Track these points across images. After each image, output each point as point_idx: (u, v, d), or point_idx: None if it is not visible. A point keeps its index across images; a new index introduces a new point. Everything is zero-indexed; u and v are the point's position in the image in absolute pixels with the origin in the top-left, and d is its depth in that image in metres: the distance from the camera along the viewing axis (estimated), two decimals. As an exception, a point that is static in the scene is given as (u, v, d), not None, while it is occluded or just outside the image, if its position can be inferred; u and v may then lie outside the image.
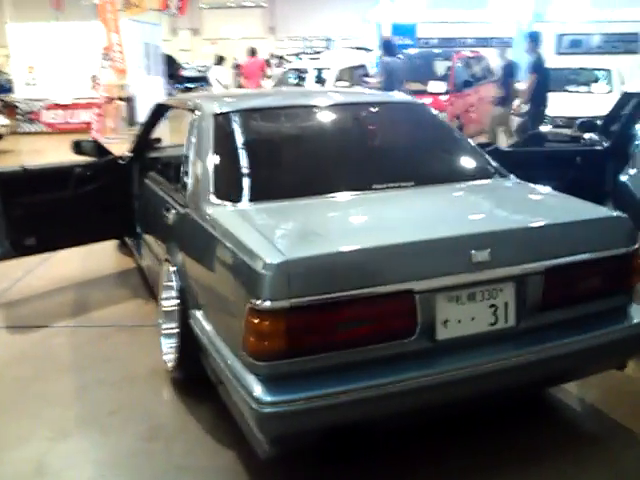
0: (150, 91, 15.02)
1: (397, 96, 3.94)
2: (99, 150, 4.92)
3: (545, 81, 8.84)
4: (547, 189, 3.18)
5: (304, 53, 25.77)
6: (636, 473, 2.67)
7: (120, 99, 13.79)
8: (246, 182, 2.98)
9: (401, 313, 2.41)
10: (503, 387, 2.64)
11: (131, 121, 13.95)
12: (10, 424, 3.09)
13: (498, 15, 17.74)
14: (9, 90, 16.92)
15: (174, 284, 3.19)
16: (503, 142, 9.08)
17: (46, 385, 3.42)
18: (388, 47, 10.13)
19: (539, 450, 2.77)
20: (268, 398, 2.23)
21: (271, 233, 2.54)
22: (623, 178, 4.35)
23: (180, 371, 3.22)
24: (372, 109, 3.79)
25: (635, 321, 2.75)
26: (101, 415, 3.11)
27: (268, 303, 2.22)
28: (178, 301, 3.13)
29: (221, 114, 3.34)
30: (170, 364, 3.28)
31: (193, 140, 3.36)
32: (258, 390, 2.25)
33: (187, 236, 3.14)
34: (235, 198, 2.90)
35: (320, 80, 14.03)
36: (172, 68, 22.10)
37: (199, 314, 2.91)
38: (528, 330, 2.62)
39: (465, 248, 2.45)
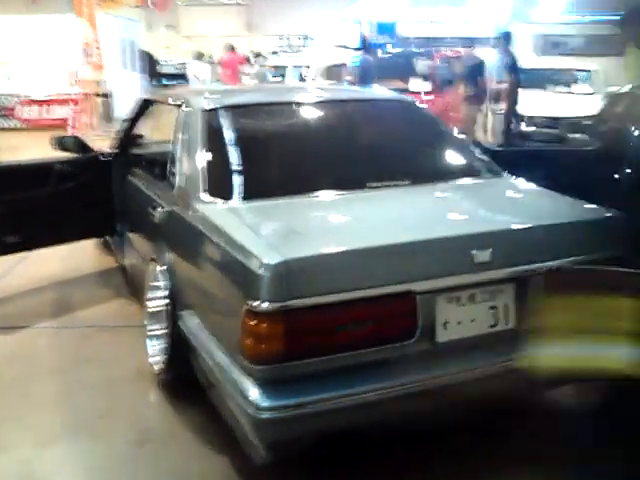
0: (128, 87, 14.81)
1: (388, 93, 3.88)
2: (81, 146, 4.80)
3: (518, 81, 8.86)
4: (543, 188, 3.14)
5: (283, 51, 25.62)
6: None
7: (97, 95, 13.56)
8: (237, 180, 2.90)
9: (401, 315, 2.35)
10: (503, 391, 2.59)
11: (108, 117, 13.74)
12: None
13: (478, 14, 17.77)
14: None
15: (162, 284, 3.10)
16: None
17: (30, 388, 3.31)
18: (362, 43, 10.11)
19: (532, 453, 2.72)
20: (266, 403, 2.16)
21: (267, 232, 2.46)
22: (619, 177, 4.32)
23: (168, 373, 3.13)
24: (364, 106, 3.73)
25: None
26: (89, 419, 3.02)
27: (266, 305, 2.15)
28: (166, 301, 3.04)
29: (210, 110, 3.26)
30: (157, 366, 3.19)
31: (181, 136, 3.27)
32: (255, 395, 2.19)
33: (176, 235, 3.06)
34: (226, 196, 2.82)
35: (300, 78, 13.97)
36: (150, 65, 21.78)
37: (189, 315, 2.82)
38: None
39: (466, 248, 2.41)
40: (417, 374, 2.36)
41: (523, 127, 9.51)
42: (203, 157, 3.02)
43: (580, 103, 10.76)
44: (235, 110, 3.34)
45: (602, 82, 12.20)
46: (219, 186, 2.88)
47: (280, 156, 3.20)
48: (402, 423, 2.46)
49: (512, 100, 8.55)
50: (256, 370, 2.22)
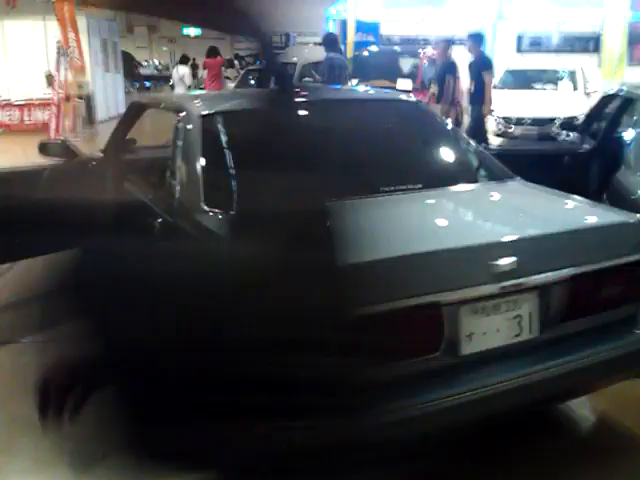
0: (109, 89, 14.60)
1: (393, 94, 3.75)
2: (68, 151, 4.61)
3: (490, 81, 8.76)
4: (559, 191, 3.04)
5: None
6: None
7: (79, 98, 13.30)
8: (238, 190, 2.74)
9: (427, 327, 2.23)
10: (528, 402, 2.48)
11: (90, 120, 13.50)
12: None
13: (461, 14, 17.76)
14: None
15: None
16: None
17: (15, 410, 3.11)
18: (329, 42, 9.91)
19: (545, 461, 2.63)
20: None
21: None
22: (619, 177, 4.25)
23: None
24: (372, 107, 3.60)
25: None
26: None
27: None
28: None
29: (210, 115, 3.10)
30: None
31: (179, 143, 3.11)
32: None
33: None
34: (229, 206, 2.68)
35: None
36: (130, 66, 21.58)
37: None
38: (551, 341, 2.48)
39: (492, 257, 2.29)
40: (443, 389, 2.24)
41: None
42: (202, 166, 2.87)
43: (565, 102, 10.78)
44: (236, 115, 3.20)
45: (584, 81, 12.25)
46: (220, 196, 2.74)
47: (285, 162, 3.05)
48: (428, 440, 2.33)
49: (487, 100, 8.39)
50: None
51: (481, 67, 8.34)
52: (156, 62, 31.18)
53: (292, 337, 1.78)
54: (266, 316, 1.78)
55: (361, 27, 17.32)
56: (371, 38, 17.42)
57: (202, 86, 14.91)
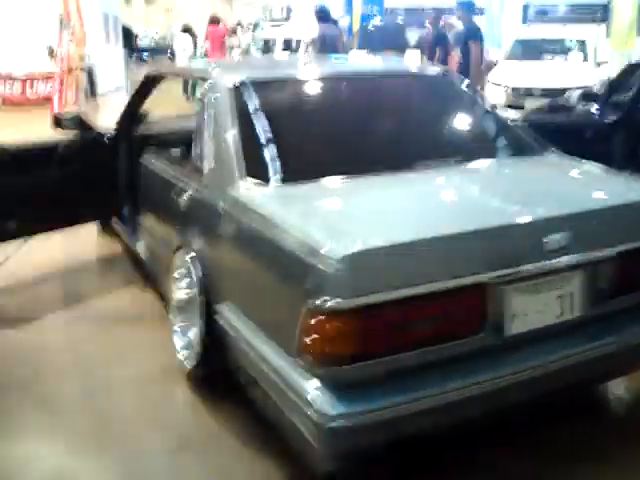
0: (110, 62, 14.39)
1: (425, 67, 3.62)
2: (82, 125, 4.51)
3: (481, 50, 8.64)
4: (598, 164, 2.95)
5: (267, 21, 25.04)
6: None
7: (81, 70, 13.10)
8: (277, 161, 2.68)
9: (472, 307, 2.17)
10: (572, 382, 2.44)
11: (92, 92, 13.32)
12: (13, 439, 2.73)
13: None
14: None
15: (192, 275, 2.88)
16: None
17: (47, 390, 3.06)
18: (321, 14, 9.80)
19: (582, 447, 2.58)
20: (335, 411, 1.96)
21: (323, 220, 2.24)
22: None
23: (201, 370, 2.92)
24: (405, 80, 3.49)
25: None
26: (117, 423, 2.79)
27: (334, 302, 1.95)
28: (199, 294, 2.82)
29: (240, 85, 3.01)
30: (188, 363, 2.98)
31: (208, 115, 3.02)
32: (323, 401, 1.99)
33: (209, 223, 2.82)
34: (265, 179, 2.61)
35: (289, 48, 13.63)
36: (130, 38, 21.28)
37: (228, 309, 2.61)
38: (595, 320, 2.42)
39: (539, 234, 2.23)
40: (487, 371, 2.19)
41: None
42: (237, 137, 2.78)
43: (576, 73, 10.64)
44: (266, 85, 3.12)
45: (594, 51, 12.08)
46: (256, 169, 2.66)
47: (321, 135, 2.97)
48: (473, 422, 2.28)
49: (475, 72, 8.25)
50: (322, 373, 2.02)
51: (468, 37, 8.20)
52: (153, 33, 30.77)
53: None
54: None
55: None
56: (376, 10, 17.11)
57: (204, 56, 14.67)
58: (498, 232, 2.20)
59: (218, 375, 2.92)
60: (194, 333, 2.99)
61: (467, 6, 8.69)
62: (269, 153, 2.71)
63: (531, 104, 9.81)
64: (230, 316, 2.59)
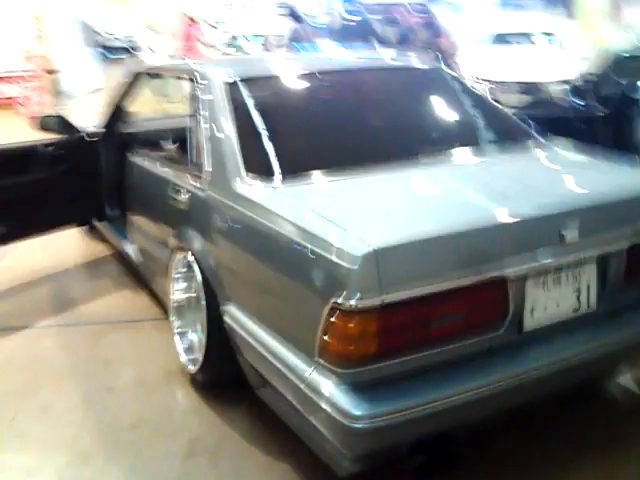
0: (79, 62, 14.09)
1: (418, 61, 3.59)
2: (65, 126, 4.40)
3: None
4: (603, 154, 2.94)
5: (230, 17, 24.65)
6: None
7: (48, 72, 12.83)
8: (279, 157, 2.62)
9: (494, 303, 2.14)
10: (587, 375, 2.43)
11: (66, 94, 13.05)
12: (12, 451, 2.63)
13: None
14: None
15: (195, 276, 2.81)
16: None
17: (45, 398, 2.96)
18: (292, 14, 9.87)
19: (593, 439, 2.56)
20: (359, 411, 1.91)
21: (337, 216, 2.19)
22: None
23: (206, 373, 2.85)
24: (400, 73, 3.46)
25: None
26: (121, 431, 2.71)
27: (356, 301, 1.89)
28: (203, 295, 2.75)
29: (235, 82, 2.96)
30: (193, 365, 2.91)
31: (203, 113, 2.95)
32: (345, 401, 1.94)
33: (211, 222, 2.75)
34: (269, 176, 2.55)
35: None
36: (98, 39, 20.86)
37: (236, 309, 2.55)
38: (608, 313, 2.41)
39: (557, 227, 2.20)
40: (512, 366, 2.17)
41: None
42: (237, 134, 2.72)
43: (555, 65, 10.71)
44: (260, 82, 3.07)
45: (570, 44, 12.17)
46: (258, 166, 2.60)
47: (317, 130, 2.92)
48: (493, 419, 2.26)
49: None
50: (345, 373, 1.97)
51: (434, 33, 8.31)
52: (119, 31, 30.34)
53: None
54: None
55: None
56: (349, 5, 17.07)
57: (173, 54, 14.44)
58: (518, 225, 2.17)
59: (223, 378, 2.86)
60: (197, 335, 2.92)
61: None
62: (270, 150, 2.65)
63: (506, 98, 9.91)
64: (238, 317, 2.52)
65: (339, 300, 1.92)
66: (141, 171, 3.71)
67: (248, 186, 2.54)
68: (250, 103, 2.87)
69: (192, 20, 13.34)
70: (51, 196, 4.14)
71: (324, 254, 2.00)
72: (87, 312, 3.85)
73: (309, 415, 2.10)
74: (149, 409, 2.85)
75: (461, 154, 2.82)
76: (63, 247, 4.92)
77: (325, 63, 3.74)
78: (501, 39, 11.94)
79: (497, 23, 13.87)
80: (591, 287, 2.34)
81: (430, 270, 2.00)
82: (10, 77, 13.06)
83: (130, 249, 4.00)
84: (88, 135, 4.36)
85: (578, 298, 2.32)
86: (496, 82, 10.18)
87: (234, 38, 16.65)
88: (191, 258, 2.85)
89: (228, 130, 2.75)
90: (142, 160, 3.76)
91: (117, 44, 29.68)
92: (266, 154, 2.64)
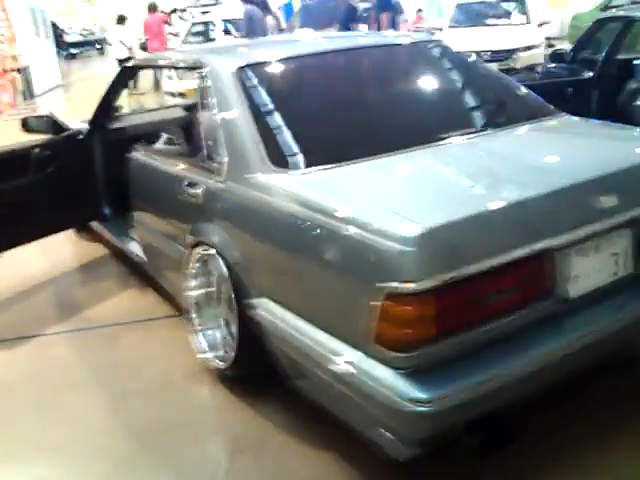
0: (43, 60, 13.79)
1: (424, 36, 3.52)
2: (53, 125, 4.26)
3: None
4: (615, 123, 2.94)
5: (193, 7, 24.36)
6: None
7: (14, 71, 12.53)
8: (302, 143, 2.56)
9: (543, 274, 2.12)
10: (628, 339, 2.42)
11: (30, 94, 12.76)
12: (50, 464, 2.53)
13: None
14: None
15: (218, 270, 2.73)
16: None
17: (70, 407, 2.87)
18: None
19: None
20: (424, 394, 1.87)
21: (378, 199, 2.13)
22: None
23: (236, 369, 2.79)
24: (408, 50, 3.38)
25: None
26: (158, 434, 2.63)
27: (413, 284, 1.85)
28: (228, 289, 2.68)
29: (243, 68, 2.87)
30: (221, 362, 2.84)
31: (212, 103, 2.86)
32: (408, 386, 1.89)
33: (234, 215, 2.68)
34: (294, 163, 2.48)
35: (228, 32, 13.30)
36: (55, 34, 20.44)
37: (270, 302, 2.48)
38: None
39: (595, 194, 2.19)
40: (561, 335, 2.15)
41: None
42: (254, 123, 2.64)
43: (520, 34, 10.77)
44: (269, 67, 2.98)
45: (534, 11, 12.23)
46: (282, 153, 2.54)
47: (334, 115, 2.85)
48: (547, 389, 2.23)
49: None
50: (403, 358, 1.92)
51: (380, 9, 8.27)
52: (81, 28, 29.83)
53: None
54: None
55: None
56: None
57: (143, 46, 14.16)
58: (559, 195, 2.14)
59: (254, 372, 2.80)
60: (221, 331, 2.86)
61: None
62: (290, 135, 2.59)
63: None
64: (273, 310, 2.45)
65: (393, 284, 1.87)
66: (145, 167, 3.60)
67: (273, 174, 2.46)
68: (263, 89, 2.80)
69: (162, 12, 13.10)
70: (45, 199, 4.01)
71: (371, 238, 1.94)
72: (95, 315, 3.74)
73: (364, 403, 2.05)
74: (181, 410, 2.78)
75: (484, 131, 2.78)
76: (56, 250, 4.81)
77: (332, 43, 3.64)
78: (473, 10, 11.91)
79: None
80: (628, 250, 2.33)
81: (481, 246, 1.96)
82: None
83: (134, 248, 3.90)
84: (79, 133, 4.23)
85: (616, 262, 2.31)
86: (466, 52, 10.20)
87: (204, 24, 16.39)
88: (212, 253, 2.77)
89: (244, 119, 2.67)
90: (145, 156, 3.65)
91: (79, 39, 29.15)
92: (287, 140, 2.58)
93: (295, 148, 2.53)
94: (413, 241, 1.84)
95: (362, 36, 3.93)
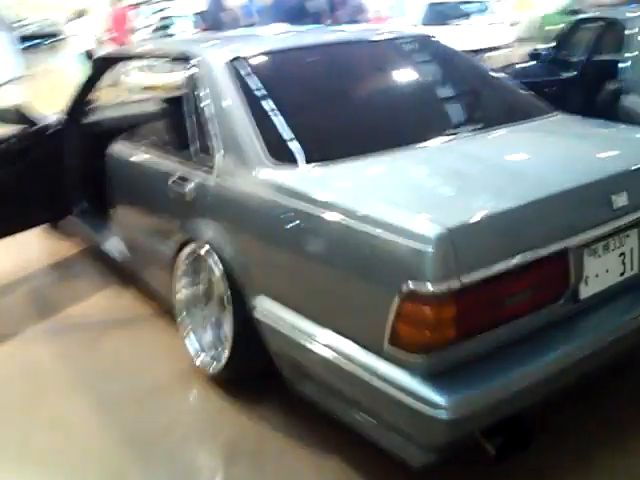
0: None
1: (417, 31, 3.48)
2: (23, 118, 4.09)
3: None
4: (613, 122, 2.94)
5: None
6: None
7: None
8: (301, 137, 2.48)
9: (559, 274, 2.08)
10: (632, 340, 2.40)
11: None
12: (38, 474, 2.40)
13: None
14: None
15: (212, 269, 2.63)
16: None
17: (54, 411, 2.74)
18: None
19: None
20: (445, 399, 1.80)
21: (392, 197, 2.06)
22: (625, 103, 4.21)
23: (230, 371, 2.69)
24: (405, 43, 3.32)
25: None
26: (150, 440, 2.51)
27: (433, 285, 1.78)
28: (224, 289, 2.58)
29: (238, 60, 2.78)
30: (212, 365, 2.74)
31: (204, 96, 2.76)
32: (427, 391, 1.83)
33: (231, 212, 2.58)
34: (294, 158, 2.40)
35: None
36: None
37: (271, 302, 2.39)
38: None
39: (607, 193, 2.17)
40: (573, 337, 2.12)
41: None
42: (250, 116, 2.55)
43: (490, 34, 10.87)
44: (263, 59, 2.90)
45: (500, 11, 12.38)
46: (281, 148, 2.45)
47: (333, 108, 2.77)
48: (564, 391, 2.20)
49: None
50: (421, 361, 1.85)
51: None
52: (39, 19, 29.04)
53: None
54: None
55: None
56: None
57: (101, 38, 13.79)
58: (575, 194, 2.12)
59: (248, 374, 2.72)
60: (213, 331, 2.77)
61: None
62: (289, 129, 2.50)
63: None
64: (274, 311, 2.36)
65: (412, 285, 1.81)
66: (127, 162, 3.47)
67: (273, 170, 2.38)
68: (258, 82, 2.70)
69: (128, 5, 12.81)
70: (15, 195, 3.85)
71: (389, 238, 1.88)
72: (73, 315, 3.59)
73: (377, 406, 1.99)
74: (173, 414, 2.67)
75: (491, 129, 2.73)
76: (26, 247, 4.61)
77: (326, 36, 3.56)
78: (442, 11, 11.97)
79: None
80: (634, 250, 2.32)
81: (502, 247, 1.92)
82: None
83: (112, 246, 3.75)
84: (51, 126, 4.07)
85: (623, 262, 2.29)
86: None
87: (165, 19, 16.12)
88: (205, 250, 2.66)
89: (241, 111, 2.58)
90: (127, 150, 3.51)
91: (34, 31, 28.32)
92: (288, 134, 2.49)
93: (297, 142, 2.45)
94: (434, 241, 1.78)
95: (358, 30, 3.86)
